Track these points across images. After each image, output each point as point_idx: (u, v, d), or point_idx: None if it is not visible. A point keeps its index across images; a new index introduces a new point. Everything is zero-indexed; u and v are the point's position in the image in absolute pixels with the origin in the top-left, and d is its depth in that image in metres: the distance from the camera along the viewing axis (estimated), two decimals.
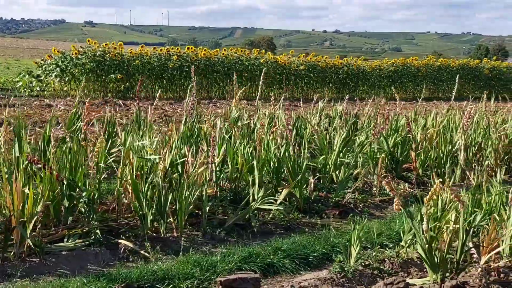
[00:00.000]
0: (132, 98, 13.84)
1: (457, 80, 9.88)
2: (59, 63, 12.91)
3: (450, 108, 8.95)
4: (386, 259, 3.83)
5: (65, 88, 13.18)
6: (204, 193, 4.15)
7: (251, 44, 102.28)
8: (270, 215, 4.64)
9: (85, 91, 13.26)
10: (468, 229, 3.49)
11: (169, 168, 4.42)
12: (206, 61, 15.35)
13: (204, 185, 4.17)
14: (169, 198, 3.93)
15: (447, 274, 3.46)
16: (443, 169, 6.31)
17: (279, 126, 6.01)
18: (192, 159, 4.35)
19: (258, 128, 5.89)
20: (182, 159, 4.48)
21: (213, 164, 4.92)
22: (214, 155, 4.22)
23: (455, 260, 3.49)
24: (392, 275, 3.63)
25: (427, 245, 3.32)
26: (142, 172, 4.21)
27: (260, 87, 6.88)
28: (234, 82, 6.93)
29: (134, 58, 13.96)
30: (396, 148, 6.55)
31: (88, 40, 13.82)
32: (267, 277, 3.55)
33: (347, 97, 7.90)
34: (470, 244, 3.60)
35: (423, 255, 3.35)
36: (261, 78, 6.73)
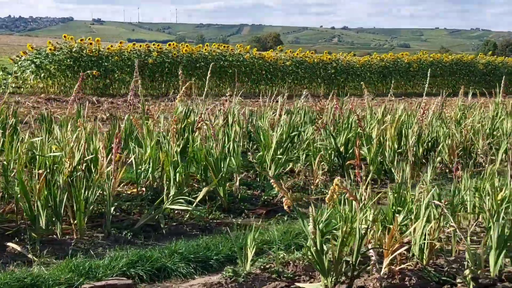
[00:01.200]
0: (113, 95, 13.70)
1: (428, 74, 9.62)
2: (34, 60, 12.77)
3: (416, 105, 8.70)
4: (291, 262, 3.62)
5: (41, 85, 13.04)
6: (107, 192, 3.95)
7: (257, 41, 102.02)
8: (188, 215, 4.44)
9: (62, 88, 13.12)
10: (364, 229, 3.28)
11: (79, 166, 4.22)
12: (188, 57, 15.16)
13: (107, 183, 3.96)
14: (64, 198, 3.73)
15: (343, 278, 3.25)
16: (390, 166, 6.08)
17: (217, 123, 5.83)
18: (105, 156, 4.17)
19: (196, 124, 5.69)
20: (90, 157, 4.29)
21: (134, 162, 4.74)
22: (119, 153, 4.01)
23: (351, 263, 3.27)
24: (291, 279, 3.43)
25: (314, 248, 3.11)
26: (47, 170, 4.03)
27: (207, 81, 6.65)
28: (180, 77, 6.66)
29: (112, 55, 13.79)
30: (346, 145, 6.33)
31: (64, 36, 13.66)
32: (155, 282, 3.35)
33: (304, 93, 7.68)
34: (370, 246, 3.40)
35: (311, 258, 3.14)
36: (209, 73, 6.50)
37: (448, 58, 21.50)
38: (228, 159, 4.72)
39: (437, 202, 3.49)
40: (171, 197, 4.20)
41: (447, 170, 6.54)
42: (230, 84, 16.38)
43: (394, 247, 3.35)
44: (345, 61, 18.69)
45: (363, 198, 3.71)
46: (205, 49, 15.68)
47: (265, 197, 4.97)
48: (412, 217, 3.66)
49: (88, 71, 13.07)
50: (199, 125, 5.00)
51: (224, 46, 16.40)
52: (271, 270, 3.48)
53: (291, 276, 3.45)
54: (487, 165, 4.71)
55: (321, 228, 3.35)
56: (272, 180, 3.11)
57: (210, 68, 6.51)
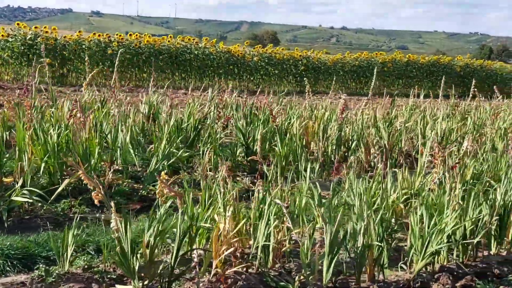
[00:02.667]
0: (73, 85, 13.41)
1: (374, 73, 9.30)
2: None
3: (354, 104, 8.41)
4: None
5: None
6: None
7: (254, 38, 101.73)
8: (45, 208, 4.15)
9: (14, 76, 12.82)
10: (185, 229, 3.00)
11: None
12: (150, 49, 14.85)
13: None
14: None
15: (165, 280, 2.98)
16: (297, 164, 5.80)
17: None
18: None
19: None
20: None
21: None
22: None
23: (169, 265, 3.00)
24: (114, 280, 3.15)
25: (118, 248, 2.83)
26: None
27: (115, 73, 6.34)
28: (86, 65, 6.35)
29: (70, 44, 13.48)
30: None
31: (18, 23, 13.34)
32: None
33: (231, 87, 7.39)
34: (195, 246, 3.13)
35: (117, 259, 2.86)
36: (116, 66, 6.19)
37: (425, 59, 21.22)
38: (96, 149, 4.44)
39: (277, 201, 3.21)
40: (18, 188, 3.91)
41: (369, 169, 6.27)
42: (196, 78, 16.12)
43: (222, 249, 3.07)
44: (316, 58, 18.39)
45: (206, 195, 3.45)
46: (169, 41, 15.37)
47: (143, 192, 4.69)
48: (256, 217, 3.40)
49: (41, 59, 12.76)
50: (74, 112, 4.71)
51: (188, 39, 16.08)
52: (95, 270, 3.20)
53: (115, 277, 3.18)
54: (382, 167, 4.44)
55: (156, 226, 3.08)
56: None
57: (118, 57, 6.18)
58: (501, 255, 4.08)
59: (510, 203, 4.08)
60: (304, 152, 6.00)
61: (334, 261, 3.03)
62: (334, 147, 6.52)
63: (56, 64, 13.43)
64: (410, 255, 3.51)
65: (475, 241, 3.78)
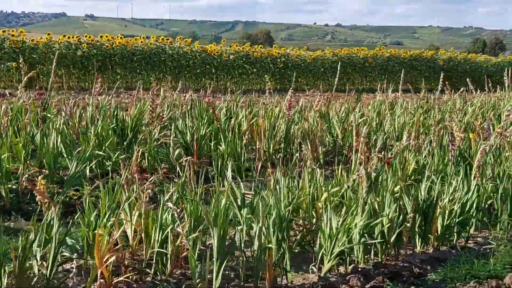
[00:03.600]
0: (41, 88, 13.21)
1: (338, 68, 9.16)
2: None
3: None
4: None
5: None
6: None
7: (248, 38, 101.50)
8: None
9: None
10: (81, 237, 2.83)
11: None
12: (122, 50, 14.67)
13: None
14: None
15: None
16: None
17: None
18: None
19: None
20: None
21: None
22: None
23: (46, 276, 2.82)
24: None
25: None
26: None
27: (52, 73, 6.17)
28: (22, 67, 6.18)
29: (39, 46, 13.31)
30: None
31: None
32: None
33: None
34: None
35: None
36: (54, 64, 6.02)
37: (407, 54, 21.06)
38: (23, 154, 4.26)
39: (170, 205, 3.03)
40: None
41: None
42: (174, 78, 15.95)
43: (105, 257, 2.90)
44: (295, 55, 18.23)
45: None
46: (141, 42, 15.19)
47: (61, 198, 4.51)
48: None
49: (8, 63, 12.61)
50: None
51: (162, 39, 15.90)
52: None
53: None
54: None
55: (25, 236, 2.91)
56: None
57: (55, 57, 6.00)
58: (427, 253, 3.91)
59: (435, 198, 3.91)
60: (247, 151, 5.84)
61: (223, 266, 2.85)
62: (282, 145, 6.36)
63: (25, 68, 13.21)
64: (319, 256, 3.35)
65: (392, 238, 3.62)
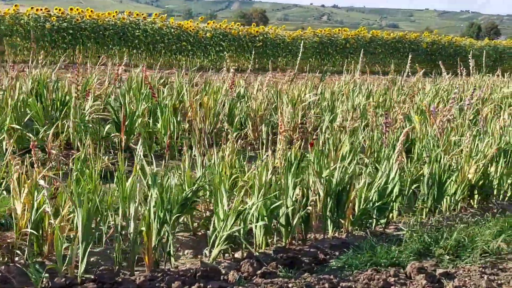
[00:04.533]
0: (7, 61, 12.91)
1: (301, 48, 8.94)
2: None
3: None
4: None
5: None
6: None
7: (243, 17, 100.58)
8: None
9: None
10: None
11: None
12: (93, 24, 14.35)
13: None
14: None
15: None
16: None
17: None
18: None
19: None
20: None
21: None
22: None
23: None
24: None
25: None
26: None
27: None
28: None
29: (6, 18, 12.98)
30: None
31: None
32: None
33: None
34: None
35: None
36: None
37: (389, 36, 20.79)
38: None
39: (41, 182, 2.84)
40: None
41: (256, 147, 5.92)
42: (148, 55, 15.67)
43: None
44: (274, 34, 17.93)
45: None
46: (114, 16, 14.86)
47: None
48: None
49: None
50: None
51: (137, 14, 15.55)
52: None
53: None
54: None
55: None
56: None
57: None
58: (339, 238, 3.74)
59: (349, 181, 3.73)
60: (181, 129, 5.65)
61: (89, 248, 2.67)
62: (225, 124, 6.16)
63: None
64: (211, 241, 3.17)
65: (294, 222, 3.45)
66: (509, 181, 4.92)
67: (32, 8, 13.73)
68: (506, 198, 4.96)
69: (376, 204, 3.91)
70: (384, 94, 8.19)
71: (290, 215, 3.45)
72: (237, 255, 3.30)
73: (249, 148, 5.82)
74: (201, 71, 13.73)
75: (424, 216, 4.31)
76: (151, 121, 5.84)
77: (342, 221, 3.77)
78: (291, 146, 4.60)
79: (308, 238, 3.67)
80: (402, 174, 4.18)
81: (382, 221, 3.98)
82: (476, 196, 4.70)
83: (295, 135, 4.82)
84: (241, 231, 3.23)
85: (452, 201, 4.46)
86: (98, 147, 5.27)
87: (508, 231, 3.88)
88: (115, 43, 14.80)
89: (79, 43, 14.31)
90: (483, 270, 3.28)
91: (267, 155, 3.63)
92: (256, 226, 3.33)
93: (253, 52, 16.69)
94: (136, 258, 2.93)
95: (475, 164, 4.46)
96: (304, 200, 3.49)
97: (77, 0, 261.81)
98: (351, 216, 3.83)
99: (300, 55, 9.46)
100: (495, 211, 4.60)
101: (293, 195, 3.44)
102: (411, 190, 4.21)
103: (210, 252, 3.17)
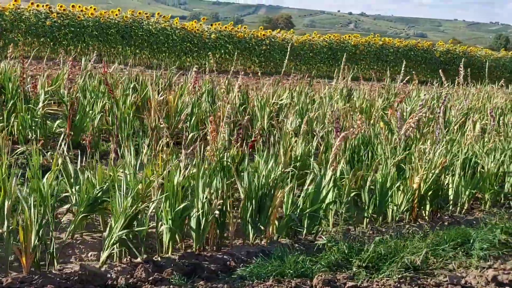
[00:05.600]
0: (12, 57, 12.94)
1: (288, 52, 8.75)
2: None
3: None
4: None
5: None
6: None
7: (269, 22, 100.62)
8: None
9: None
10: None
11: None
12: (95, 22, 14.33)
13: None
14: None
15: None
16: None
17: None
18: None
19: None
20: None
21: None
22: None
23: None
24: None
25: None
26: None
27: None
28: None
29: (5, 13, 13.01)
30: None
31: None
32: None
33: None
34: None
35: None
36: None
37: (401, 43, 20.47)
38: None
39: None
40: None
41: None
42: (150, 55, 15.61)
43: None
44: (281, 38, 17.75)
45: None
46: (116, 15, 14.82)
47: None
48: None
49: None
50: None
51: (139, 13, 15.49)
52: None
53: None
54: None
55: None
56: None
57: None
58: (260, 245, 3.55)
59: (271, 185, 3.54)
60: (139, 127, 5.51)
61: None
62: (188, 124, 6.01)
63: None
64: (106, 243, 3.01)
65: (201, 227, 3.26)
66: (467, 193, 4.67)
67: (32, 3, 13.74)
68: (463, 211, 4.71)
69: (306, 211, 3.71)
70: (366, 100, 7.97)
71: (201, 219, 3.27)
72: (139, 259, 3.12)
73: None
74: (200, 72, 13.63)
75: (365, 226, 4.10)
76: (110, 118, 5.72)
77: (262, 228, 3.57)
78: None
79: (226, 244, 3.48)
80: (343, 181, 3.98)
81: (314, 229, 3.78)
82: (427, 207, 4.46)
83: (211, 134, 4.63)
84: (141, 234, 3.06)
85: (397, 211, 4.23)
86: (45, 142, 5.18)
87: (443, 245, 3.66)
88: (117, 42, 14.75)
89: (81, 41, 14.29)
90: (398, 285, 3.07)
91: (185, 156, 3.45)
92: (161, 229, 3.15)
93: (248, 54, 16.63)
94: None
95: (422, 173, 4.22)
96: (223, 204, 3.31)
97: (105, 2, 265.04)
98: (276, 222, 3.63)
99: (287, 57, 9.29)
100: (446, 223, 4.36)
101: (203, 198, 3.25)
102: (349, 198, 3.99)
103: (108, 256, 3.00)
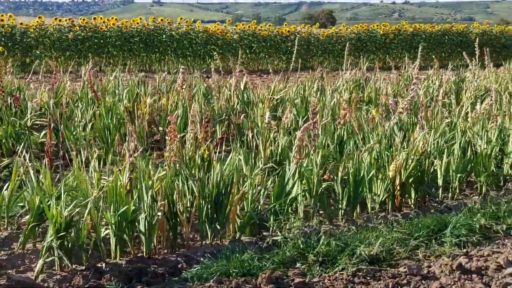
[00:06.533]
0: (36, 72, 13.24)
1: (295, 46, 8.58)
2: None
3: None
4: None
5: None
6: None
7: (310, 18, 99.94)
8: None
9: None
10: None
11: None
12: (117, 32, 14.50)
13: None
14: None
15: None
16: None
17: None
18: None
19: None
20: None
21: None
22: None
23: None
24: None
25: None
26: None
27: None
28: None
29: (30, 31, 13.32)
30: None
31: None
32: None
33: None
34: None
35: None
36: None
37: (434, 28, 19.89)
38: None
39: None
40: None
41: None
42: (175, 60, 15.67)
43: None
44: (307, 33, 17.53)
45: None
46: (138, 23, 14.94)
47: None
48: None
49: None
50: None
51: (161, 19, 15.56)
52: None
53: None
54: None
55: None
56: None
57: None
58: (220, 245, 3.44)
59: (230, 183, 3.42)
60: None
61: None
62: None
63: (18, 53, 13.29)
64: (40, 254, 2.95)
65: (144, 229, 3.17)
66: (457, 177, 4.43)
67: (56, 19, 14.00)
68: (455, 196, 4.46)
69: (273, 205, 3.57)
70: (377, 89, 7.73)
71: (145, 222, 3.18)
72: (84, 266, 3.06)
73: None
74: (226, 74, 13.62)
75: (340, 219, 3.93)
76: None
77: (218, 227, 3.45)
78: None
79: (183, 245, 3.39)
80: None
81: (278, 225, 3.63)
82: (413, 195, 4.24)
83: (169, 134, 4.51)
84: (92, 240, 3.00)
85: (373, 202, 4.04)
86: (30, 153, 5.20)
87: (416, 233, 3.46)
88: (141, 50, 14.88)
89: (105, 52, 14.47)
90: (351, 279, 2.90)
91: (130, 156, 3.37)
92: (104, 233, 3.08)
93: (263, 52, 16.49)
94: None
95: (398, 160, 4.01)
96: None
97: (149, 11, 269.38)
98: (239, 220, 3.51)
99: (295, 51, 9.12)
100: (432, 211, 4.13)
101: (147, 200, 3.16)
102: (320, 190, 3.82)
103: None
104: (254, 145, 4.42)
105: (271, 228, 3.60)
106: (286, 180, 3.64)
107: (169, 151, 3.66)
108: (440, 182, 4.38)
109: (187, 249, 3.34)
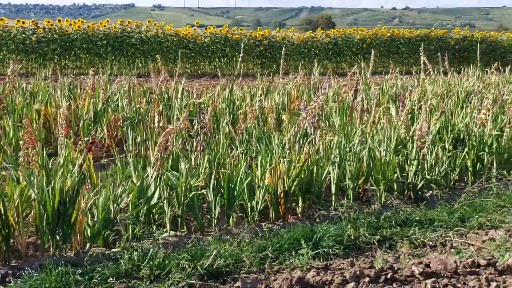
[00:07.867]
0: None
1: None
2: None
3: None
4: None
5: None
6: None
7: (309, 23, 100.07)
8: None
9: None
10: None
11: None
12: (83, 35, 14.30)
13: None
14: None
15: None
16: None
17: None
18: None
19: None
20: None
21: None
22: None
23: None
24: None
25: None
26: None
27: None
28: None
29: None
30: None
31: None
32: None
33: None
34: None
35: None
36: None
37: (412, 34, 19.71)
38: None
39: None
40: None
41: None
42: (145, 63, 15.50)
43: None
44: (281, 37, 17.34)
45: None
46: (104, 26, 14.75)
47: None
48: None
49: None
50: None
51: (128, 22, 15.37)
52: None
53: None
54: None
55: None
56: None
57: None
58: (64, 257, 3.22)
59: (69, 190, 3.21)
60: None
61: None
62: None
63: None
64: None
65: None
66: (351, 186, 4.22)
67: (18, 21, 13.82)
68: (350, 205, 4.25)
69: (127, 214, 3.36)
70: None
71: None
72: None
73: (104, 155, 5.37)
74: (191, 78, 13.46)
75: (213, 229, 3.71)
76: None
77: (58, 237, 3.23)
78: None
79: (21, 257, 3.17)
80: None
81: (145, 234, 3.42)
82: (300, 203, 4.03)
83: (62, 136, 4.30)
84: None
85: (252, 211, 3.83)
86: None
87: (278, 245, 3.25)
88: (108, 53, 14.69)
89: (71, 55, 14.28)
90: None
91: None
92: None
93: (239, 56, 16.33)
94: None
95: (272, 168, 3.79)
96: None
97: (150, 15, 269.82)
98: (89, 230, 3.30)
99: (241, 55, 8.92)
100: (318, 220, 3.92)
101: None
102: (190, 198, 3.61)
103: None
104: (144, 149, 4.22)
105: (124, 239, 3.38)
106: (145, 188, 3.42)
107: (23, 156, 3.45)
108: (333, 189, 4.17)
109: (24, 261, 3.13)
